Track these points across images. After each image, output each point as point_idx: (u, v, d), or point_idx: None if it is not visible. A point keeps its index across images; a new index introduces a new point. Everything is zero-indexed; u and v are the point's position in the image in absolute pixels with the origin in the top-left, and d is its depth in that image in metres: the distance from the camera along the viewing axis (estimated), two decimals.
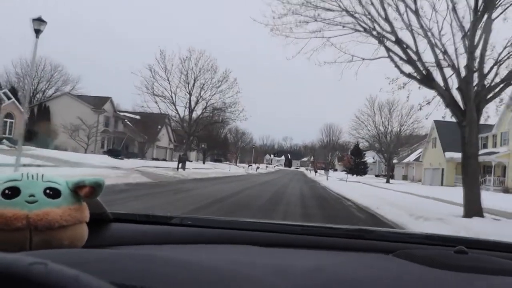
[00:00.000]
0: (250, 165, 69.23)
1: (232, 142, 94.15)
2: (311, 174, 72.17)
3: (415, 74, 10.65)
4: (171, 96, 27.63)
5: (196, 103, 28.33)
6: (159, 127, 55.45)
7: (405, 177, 54.44)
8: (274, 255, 1.07)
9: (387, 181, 40.67)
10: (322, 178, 44.72)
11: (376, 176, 69.88)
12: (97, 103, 46.30)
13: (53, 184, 0.88)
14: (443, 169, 40.42)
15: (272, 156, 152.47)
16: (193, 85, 27.87)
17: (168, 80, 27.48)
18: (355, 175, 68.88)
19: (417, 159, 50.99)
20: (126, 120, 54.14)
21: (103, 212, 1.11)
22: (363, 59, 11.62)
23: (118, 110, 51.01)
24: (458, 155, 41.02)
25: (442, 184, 39.90)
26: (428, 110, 12.38)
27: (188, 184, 17.28)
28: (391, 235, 1.40)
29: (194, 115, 28.67)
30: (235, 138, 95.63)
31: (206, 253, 1.03)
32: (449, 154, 39.22)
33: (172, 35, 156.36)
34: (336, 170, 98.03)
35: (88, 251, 0.71)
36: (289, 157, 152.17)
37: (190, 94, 28.00)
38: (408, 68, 10.87)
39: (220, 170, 39.68)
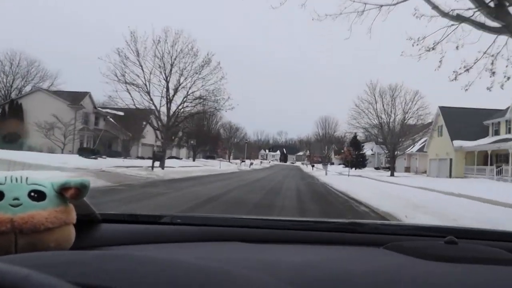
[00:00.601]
0: (243, 161, 65.76)
1: (226, 137, 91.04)
2: (307, 168, 69.06)
3: (466, 13, 7.18)
4: (145, 85, 23.95)
5: (175, 92, 24.62)
6: (144, 123, 51.76)
7: (407, 169, 51.12)
8: (264, 252, 1.07)
9: (391, 174, 37.35)
10: (319, 172, 41.38)
11: (376, 168, 66.79)
12: (74, 98, 42.64)
13: (37, 187, 0.87)
14: (451, 159, 37.16)
15: (267, 151, 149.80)
16: (170, 71, 24.24)
17: (140, 65, 23.76)
18: (353, 168, 66.03)
19: (420, 150, 47.74)
20: (108, 117, 50.48)
21: (92, 213, 1.10)
22: (380, 6, 8.15)
23: (99, 106, 47.21)
24: (467, 144, 38.14)
25: (450, 176, 36.70)
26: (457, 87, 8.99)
27: (158, 188, 13.79)
28: (383, 227, 1.41)
29: (174, 106, 25.03)
30: (228, 134, 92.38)
31: (194, 251, 1.04)
32: (457, 143, 36.01)
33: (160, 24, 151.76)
34: (332, 163, 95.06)
35: (72, 253, 0.71)
36: (285, 151, 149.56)
37: (167, 81, 24.33)
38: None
39: (209, 168, 36.26)
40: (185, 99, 24.58)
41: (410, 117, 36.18)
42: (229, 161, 73.26)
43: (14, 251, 0.79)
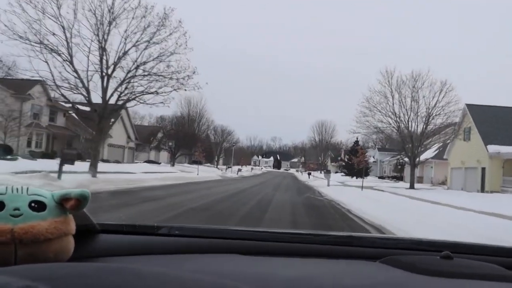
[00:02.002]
0: (229, 167, 58.16)
1: (216, 142, 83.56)
2: (303, 176, 61.66)
3: None
4: (68, 50, 16.07)
5: (116, 64, 17.01)
6: (113, 120, 44.09)
7: (420, 179, 43.62)
8: (260, 264, 1.07)
9: (411, 186, 29.81)
10: (319, 183, 33.90)
11: (380, 178, 59.51)
12: (21, 87, 34.73)
13: (38, 197, 0.87)
14: (483, 169, 29.78)
15: (260, 157, 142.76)
16: (109, 32, 16.64)
17: (59, 21, 15.94)
18: (354, 178, 58.82)
19: (437, 156, 40.46)
20: (70, 112, 42.74)
21: (90, 224, 1.10)
22: None
23: (53, 98, 39.28)
24: (506, 149, 30.78)
25: (482, 189, 29.35)
26: None
27: None
28: (379, 241, 1.42)
29: (115, 88, 17.25)
30: (220, 138, 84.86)
31: (190, 264, 1.05)
32: (493, 148, 28.69)
33: None
34: (329, 171, 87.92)
35: (72, 265, 0.72)
36: (278, 158, 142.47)
37: (103, 48, 16.63)
38: None
39: (182, 175, 28.68)
40: (129, 75, 16.93)
41: (437, 114, 28.55)
42: (216, 167, 65.73)
43: (13, 261, 0.80)
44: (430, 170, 43.26)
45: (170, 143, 49.64)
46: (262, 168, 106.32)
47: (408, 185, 35.22)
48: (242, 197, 14.97)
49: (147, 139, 54.91)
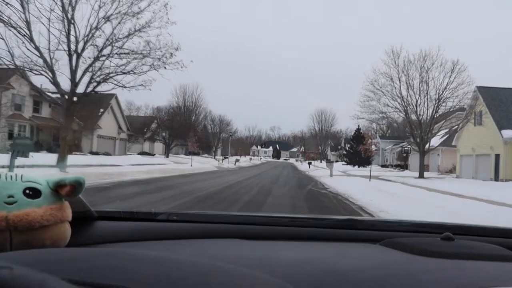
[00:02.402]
0: (225, 158, 56.07)
1: (213, 132, 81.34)
2: (302, 166, 59.67)
3: None
4: (26, 23, 13.54)
5: (86, 40, 14.63)
6: (102, 110, 41.84)
7: (426, 168, 41.44)
8: (259, 248, 1.06)
9: (421, 176, 27.70)
10: (320, 173, 31.83)
11: (383, 166, 57.49)
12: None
13: (33, 184, 0.87)
14: (497, 156, 27.66)
15: (259, 147, 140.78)
16: (76, 1, 14.07)
17: None
18: (356, 166, 56.78)
19: (444, 143, 38.32)
20: (58, 102, 40.43)
21: (87, 210, 1.10)
22: None
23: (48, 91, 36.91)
24: None
25: (496, 178, 27.31)
26: None
27: None
28: (380, 224, 1.43)
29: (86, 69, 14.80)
30: (218, 128, 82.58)
31: (190, 248, 1.03)
32: (508, 133, 26.57)
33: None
34: (329, 160, 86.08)
35: (66, 250, 0.72)
36: (278, 147, 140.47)
37: (69, 21, 14.16)
38: None
39: (175, 167, 26.60)
40: (103, 53, 14.58)
41: (448, 97, 26.22)
42: (214, 158, 63.69)
43: (9, 249, 0.79)
44: (436, 157, 41.14)
45: (164, 134, 47.36)
46: (261, 158, 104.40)
47: (414, 174, 33.18)
48: (233, 193, 12.84)
49: (140, 130, 52.64)
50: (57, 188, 0.89)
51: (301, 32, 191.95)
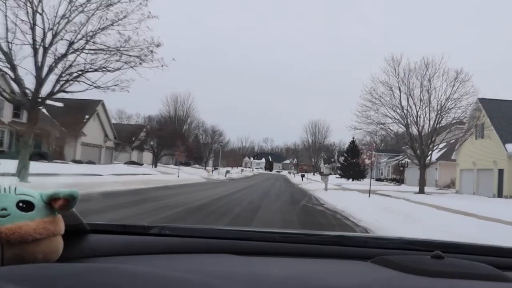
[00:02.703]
0: (215, 169, 54.29)
1: (206, 143, 79.55)
2: (295, 179, 58.01)
3: None
4: None
5: (56, 32, 12.88)
6: (87, 116, 40.03)
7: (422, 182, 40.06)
8: (251, 264, 1.07)
9: (421, 191, 26.18)
10: (314, 186, 30.19)
11: (378, 180, 56.02)
12: None
13: (26, 197, 0.86)
14: (500, 171, 26.28)
15: (251, 158, 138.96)
16: None
17: None
18: (350, 180, 55.31)
19: (443, 157, 36.99)
20: (40, 108, 38.55)
21: (80, 223, 1.08)
22: None
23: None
24: None
25: (500, 194, 25.89)
26: None
27: None
28: (371, 241, 1.41)
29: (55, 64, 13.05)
30: (210, 138, 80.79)
31: (181, 263, 1.04)
32: None
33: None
34: (322, 173, 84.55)
35: (58, 266, 0.73)
36: (270, 159, 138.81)
37: (34, 10, 12.41)
38: None
39: (156, 178, 24.82)
40: (72, 47, 12.90)
41: (451, 108, 24.86)
42: (205, 168, 61.89)
43: (1, 262, 0.78)
44: (434, 172, 39.71)
45: (152, 142, 45.54)
46: (253, 170, 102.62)
47: (412, 188, 31.70)
48: (213, 211, 11.11)
49: (128, 139, 50.72)
50: (51, 201, 0.87)
51: (295, 43, 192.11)
